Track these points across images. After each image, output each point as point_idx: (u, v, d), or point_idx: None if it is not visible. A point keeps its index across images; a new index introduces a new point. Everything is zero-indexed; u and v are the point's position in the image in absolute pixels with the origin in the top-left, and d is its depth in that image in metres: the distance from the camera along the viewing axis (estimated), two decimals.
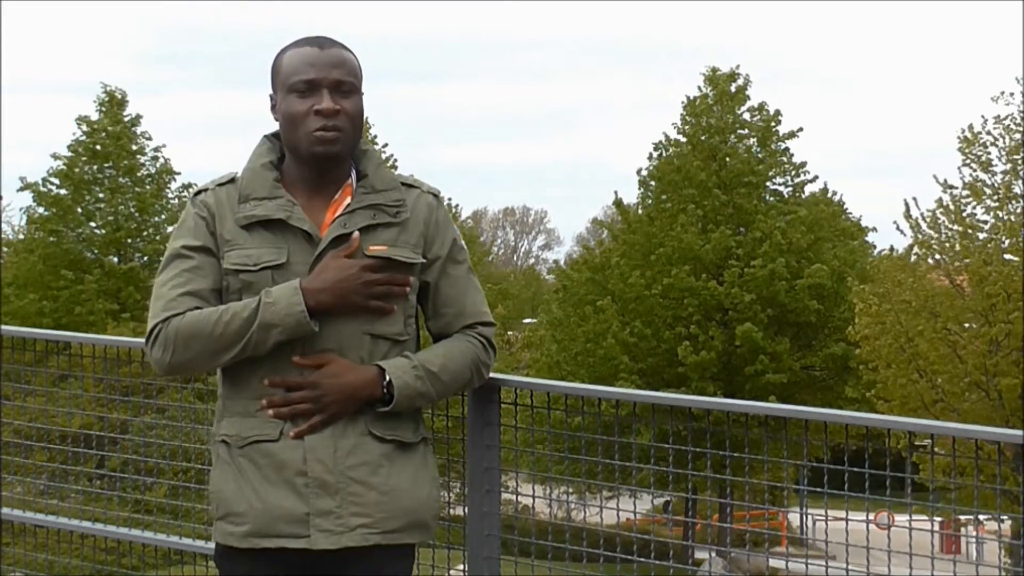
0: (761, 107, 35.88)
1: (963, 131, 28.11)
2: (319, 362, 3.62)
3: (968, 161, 28.06)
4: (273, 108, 3.75)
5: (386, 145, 39.86)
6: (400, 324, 3.69)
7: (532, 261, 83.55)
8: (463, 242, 3.86)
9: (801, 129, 36.07)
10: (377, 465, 3.62)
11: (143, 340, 3.74)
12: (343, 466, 3.59)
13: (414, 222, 3.72)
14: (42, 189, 36.65)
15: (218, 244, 3.67)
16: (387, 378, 3.62)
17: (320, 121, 3.61)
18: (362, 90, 3.71)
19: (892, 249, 32.52)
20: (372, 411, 3.64)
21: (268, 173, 3.69)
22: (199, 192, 3.75)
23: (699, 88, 36.10)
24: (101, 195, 37.18)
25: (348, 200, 3.69)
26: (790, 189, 36.30)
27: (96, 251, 37.03)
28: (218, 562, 3.75)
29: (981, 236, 27.79)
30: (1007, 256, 27.41)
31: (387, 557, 3.64)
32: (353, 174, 3.73)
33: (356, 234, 3.64)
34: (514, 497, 4.97)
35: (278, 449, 3.60)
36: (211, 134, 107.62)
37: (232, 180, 3.73)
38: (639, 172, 36.15)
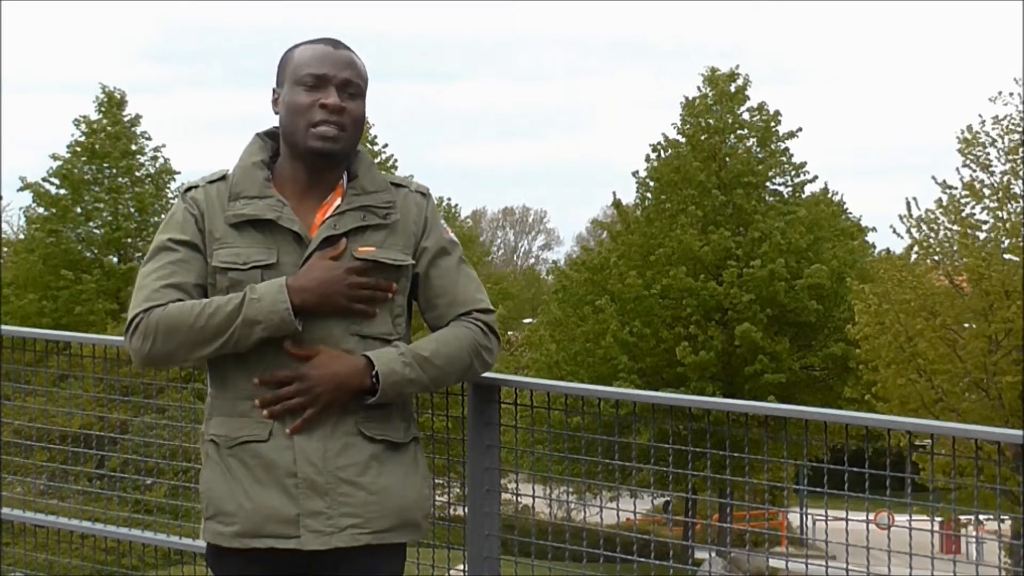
0: (761, 107, 35.87)
1: (963, 131, 28.14)
2: (310, 353, 3.59)
3: (968, 161, 28.07)
4: (275, 102, 3.73)
5: (386, 145, 39.88)
6: (388, 324, 3.68)
7: (532, 261, 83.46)
8: (454, 236, 3.85)
9: (801, 129, 36.07)
10: (366, 465, 3.61)
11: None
12: (333, 467, 3.58)
13: (403, 223, 3.72)
14: (41, 189, 36.64)
15: (206, 241, 3.65)
16: (375, 368, 3.58)
17: (323, 115, 3.60)
18: (366, 97, 3.71)
19: (889, 251, 32.52)
20: (362, 410, 3.62)
21: (259, 172, 3.68)
22: (189, 188, 3.74)
23: (699, 88, 36.09)
24: (100, 195, 37.17)
25: (338, 201, 3.68)
26: (790, 189, 36.29)
27: (96, 251, 37.03)
28: (209, 562, 3.74)
29: (981, 236, 27.79)
30: (1006, 256, 27.41)
31: (378, 557, 3.63)
32: (344, 175, 3.72)
33: (344, 240, 3.63)
34: (514, 497, 4.97)
35: (267, 450, 3.59)
36: (211, 134, 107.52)
37: (223, 178, 3.71)
38: (635, 174, 36.14)
